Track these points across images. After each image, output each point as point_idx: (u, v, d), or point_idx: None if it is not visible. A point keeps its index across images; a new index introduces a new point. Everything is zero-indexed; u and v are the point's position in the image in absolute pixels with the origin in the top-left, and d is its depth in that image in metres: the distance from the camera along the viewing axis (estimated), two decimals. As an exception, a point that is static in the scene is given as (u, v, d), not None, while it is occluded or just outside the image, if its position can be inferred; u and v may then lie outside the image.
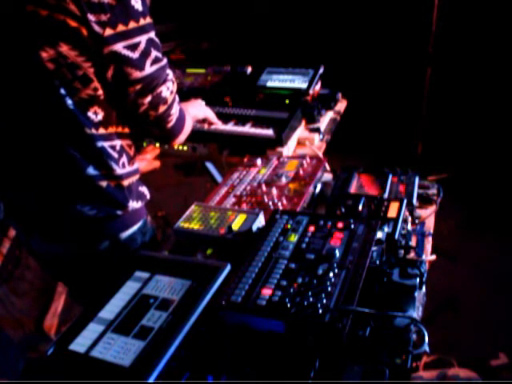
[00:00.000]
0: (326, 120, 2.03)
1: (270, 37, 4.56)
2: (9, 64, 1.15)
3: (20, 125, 1.21)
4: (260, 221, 1.27)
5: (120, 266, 1.14)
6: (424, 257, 1.27)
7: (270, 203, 1.41)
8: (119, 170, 1.26)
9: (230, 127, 1.88)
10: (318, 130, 1.93)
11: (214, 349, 0.92)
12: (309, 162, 1.60)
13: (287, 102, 1.96)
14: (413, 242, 1.30)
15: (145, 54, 1.14)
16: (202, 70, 2.29)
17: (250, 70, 2.18)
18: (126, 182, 1.28)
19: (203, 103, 1.84)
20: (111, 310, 1.00)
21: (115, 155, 1.25)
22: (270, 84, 2.05)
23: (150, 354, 0.87)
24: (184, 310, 0.95)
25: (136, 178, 1.35)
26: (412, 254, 1.22)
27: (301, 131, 1.94)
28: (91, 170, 1.22)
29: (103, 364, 0.88)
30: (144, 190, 1.39)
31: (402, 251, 1.18)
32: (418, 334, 0.89)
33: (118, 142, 1.26)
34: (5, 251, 2.60)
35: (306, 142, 1.90)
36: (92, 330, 0.97)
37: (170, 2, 4.89)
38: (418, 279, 1.02)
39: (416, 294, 0.99)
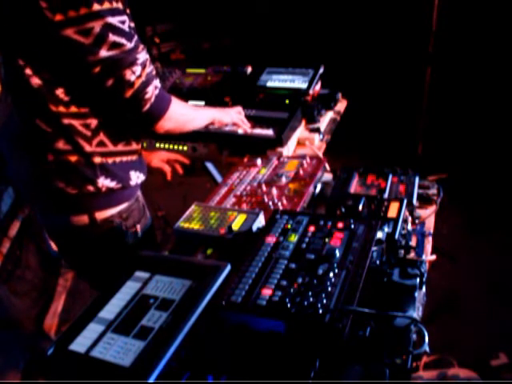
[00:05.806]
0: (326, 120, 2.03)
1: (270, 37, 4.56)
2: None
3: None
4: (260, 221, 1.27)
5: (120, 266, 1.14)
6: (424, 257, 1.27)
7: (270, 203, 1.41)
8: (89, 148, 1.29)
9: (230, 127, 1.88)
10: (318, 130, 1.93)
11: (214, 349, 0.92)
12: (309, 162, 1.60)
13: (287, 102, 1.96)
14: (413, 242, 1.30)
15: (99, 39, 1.14)
16: (201, 70, 2.29)
17: (249, 70, 2.18)
18: (97, 160, 1.30)
19: (234, 110, 1.80)
20: (111, 310, 1.00)
21: (87, 133, 1.27)
22: (269, 84, 2.05)
23: (150, 354, 0.87)
24: (184, 310, 0.94)
25: (121, 159, 1.36)
26: (412, 254, 1.22)
27: (301, 131, 1.94)
28: (60, 145, 1.27)
29: (103, 364, 0.88)
30: (132, 175, 1.39)
31: (402, 251, 1.18)
32: (418, 334, 0.89)
33: (93, 121, 1.28)
34: (5, 251, 2.60)
35: (306, 142, 1.90)
36: (92, 329, 0.96)
37: (170, 2, 4.90)
38: (418, 279, 1.02)
39: (416, 294, 0.99)
